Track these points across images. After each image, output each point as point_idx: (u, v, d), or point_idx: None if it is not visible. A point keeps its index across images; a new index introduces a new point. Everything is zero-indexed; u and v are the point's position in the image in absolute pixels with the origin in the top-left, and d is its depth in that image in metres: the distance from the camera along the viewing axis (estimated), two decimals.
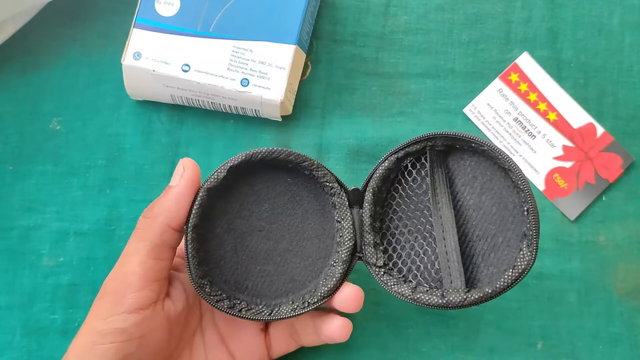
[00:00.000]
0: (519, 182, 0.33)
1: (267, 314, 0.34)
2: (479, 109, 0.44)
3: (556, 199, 0.43)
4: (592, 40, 0.45)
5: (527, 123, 0.44)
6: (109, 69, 0.44)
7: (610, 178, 0.43)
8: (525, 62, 0.45)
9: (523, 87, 0.44)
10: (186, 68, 0.41)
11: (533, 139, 0.44)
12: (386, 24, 0.45)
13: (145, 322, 0.31)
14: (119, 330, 0.31)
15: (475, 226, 0.35)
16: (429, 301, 0.34)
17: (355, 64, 0.45)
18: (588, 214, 0.43)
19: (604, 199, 0.44)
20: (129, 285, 0.32)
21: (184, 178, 0.33)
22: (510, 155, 0.44)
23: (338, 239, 0.36)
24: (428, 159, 0.36)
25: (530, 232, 0.33)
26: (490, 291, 0.33)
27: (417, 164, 0.36)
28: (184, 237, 0.34)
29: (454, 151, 0.36)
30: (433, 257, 0.35)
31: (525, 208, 0.33)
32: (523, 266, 0.33)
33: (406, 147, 0.35)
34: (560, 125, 0.44)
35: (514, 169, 0.33)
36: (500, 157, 0.33)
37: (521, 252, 0.33)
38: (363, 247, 0.36)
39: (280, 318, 0.34)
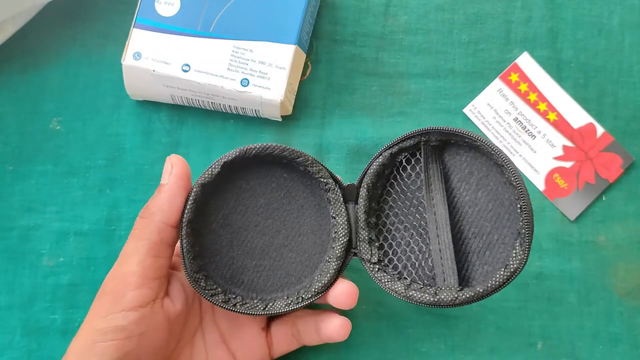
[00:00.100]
0: (513, 179, 0.32)
1: (262, 308, 0.34)
2: (479, 109, 0.44)
3: (556, 199, 0.43)
4: (592, 40, 0.45)
5: (527, 123, 0.44)
6: (109, 69, 0.44)
7: (610, 178, 0.43)
8: (525, 62, 0.45)
9: (523, 87, 0.44)
10: (186, 68, 0.41)
11: (533, 139, 0.44)
12: (386, 24, 0.45)
13: (145, 319, 0.32)
14: (118, 328, 0.31)
15: (471, 223, 0.35)
16: (421, 299, 0.33)
17: (355, 64, 0.45)
18: (588, 214, 0.43)
19: (604, 199, 0.44)
20: (128, 284, 0.32)
21: (174, 175, 0.34)
22: (510, 156, 0.44)
23: (333, 235, 0.36)
24: (422, 155, 0.35)
25: (524, 231, 0.32)
26: (481, 290, 0.32)
27: (412, 160, 0.36)
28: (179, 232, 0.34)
29: (450, 147, 0.35)
30: (427, 254, 0.35)
31: (519, 205, 0.32)
32: (515, 265, 0.32)
33: (400, 142, 0.35)
34: (560, 125, 0.44)
35: (507, 165, 0.32)
36: (493, 152, 0.33)
37: (514, 251, 0.32)
38: (358, 243, 0.36)
39: (274, 313, 0.34)
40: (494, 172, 0.34)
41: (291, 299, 0.35)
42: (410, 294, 0.34)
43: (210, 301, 0.34)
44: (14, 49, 0.44)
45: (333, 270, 0.35)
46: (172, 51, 0.41)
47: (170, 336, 0.34)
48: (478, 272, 0.34)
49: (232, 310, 0.34)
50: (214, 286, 0.34)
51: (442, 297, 0.33)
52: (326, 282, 0.35)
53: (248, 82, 0.41)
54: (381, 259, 0.36)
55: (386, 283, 0.35)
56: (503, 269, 0.32)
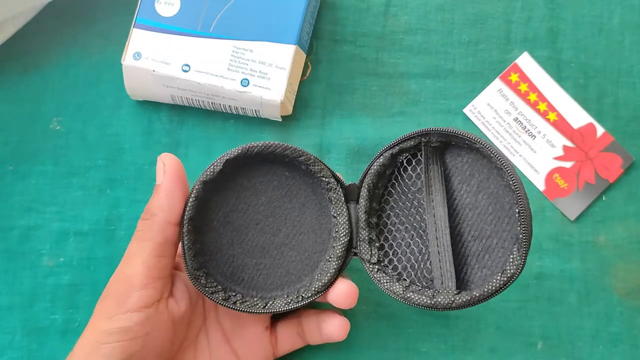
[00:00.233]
0: (511, 182, 0.32)
1: (262, 306, 0.35)
2: (479, 109, 0.44)
3: (556, 199, 0.43)
4: (592, 40, 0.45)
5: (527, 123, 0.44)
6: (109, 69, 0.44)
7: (610, 178, 0.43)
8: (525, 62, 0.45)
9: (523, 87, 0.44)
10: (186, 68, 0.41)
11: (533, 139, 0.44)
12: (386, 24, 0.45)
13: (150, 320, 0.32)
14: (124, 329, 0.31)
15: (470, 226, 0.35)
16: (419, 301, 0.33)
17: (355, 64, 0.45)
18: (588, 214, 0.43)
19: (604, 199, 0.44)
20: (132, 285, 0.32)
21: (167, 173, 0.33)
22: (510, 156, 0.44)
23: (334, 234, 0.36)
24: (423, 156, 0.35)
25: (521, 236, 0.32)
26: (478, 295, 0.32)
27: (413, 161, 0.36)
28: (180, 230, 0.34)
29: (451, 148, 0.35)
30: (427, 256, 0.35)
31: (517, 210, 0.32)
32: (512, 271, 0.32)
33: (400, 142, 0.35)
34: (561, 125, 0.44)
35: (506, 168, 0.32)
36: (493, 155, 0.32)
37: (511, 256, 0.32)
38: (358, 243, 0.36)
39: (274, 311, 0.34)
40: (495, 175, 0.34)
41: (291, 297, 0.35)
42: (409, 295, 0.34)
43: (211, 299, 0.34)
44: (14, 49, 0.44)
45: (333, 270, 0.35)
46: (172, 51, 0.41)
47: (174, 336, 0.34)
48: (477, 276, 0.34)
49: (232, 308, 0.34)
50: (214, 284, 0.34)
51: (439, 300, 0.33)
52: (326, 281, 0.35)
53: (248, 82, 0.41)
54: (381, 259, 0.36)
55: (385, 284, 0.35)
56: (500, 274, 0.32)
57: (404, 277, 0.35)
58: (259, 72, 0.41)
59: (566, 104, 0.44)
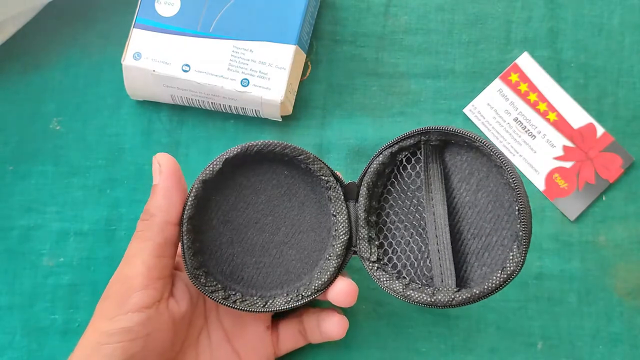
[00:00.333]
0: (511, 180, 0.32)
1: (262, 305, 0.34)
2: (479, 109, 0.44)
3: (556, 199, 0.43)
4: (592, 40, 0.45)
5: (527, 123, 0.44)
6: (109, 69, 0.44)
7: (611, 178, 0.43)
8: (526, 62, 0.45)
9: (523, 87, 0.44)
10: (186, 68, 0.41)
11: (533, 139, 0.44)
12: (386, 24, 0.45)
13: (151, 320, 0.31)
14: (125, 330, 0.31)
15: (470, 224, 0.35)
16: (419, 299, 0.33)
17: (355, 64, 0.45)
18: (588, 214, 0.43)
19: (604, 199, 0.44)
20: (132, 285, 0.32)
21: (164, 173, 0.33)
22: (510, 156, 0.44)
23: (334, 233, 0.36)
24: (423, 154, 0.35)
25: (521, 233, 0.32)
26: (478, 292, 0.32)
27: (413, 159, 0.36)
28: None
29: (450, 146, 0.35)
30: (427, 254, 0.35)
31: (517, 207, 0.32)
32: (512, 268, 0.32)
33: (400, 141, 0.35)
34: (561, 125, 0.44)
35: (506, 166, 0.32)
36: (492, 153, 0.32)
37: (511, 254, 0.32)
38: (357, 242, 0.36)
39: (274, 310, 0.34)
40: (494, 173, 0.34)
41: (291, 296, 0.35)
42: (408, 293, 0.34)
43: (210, 297, 0.34)
44: (14, 49, 0.44)
45: (333, 268, 0.35)
46: (172, 51, 0.41)
47: (175, 337, 0.34)
48: (476, 274, 0.34)
49: (231, 306, 0.34)
50: (214, 282, 0.34)
51: (439, 297, 0.33)
52: (326, 280, 0.35)
53: (248, 82, 0.41)
54: (380, 257, 0.36)
55: (385, 282, 0.35)
56: (500, 271, 0.32)
57: (404, 275, 0.35)
58: (259, 72, 0.41)
59: (566, 104, 0.44)
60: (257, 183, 0.36)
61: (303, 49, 0.43)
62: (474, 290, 0.32)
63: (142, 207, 0.34)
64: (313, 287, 0.35)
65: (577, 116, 0.44)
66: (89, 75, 0.44)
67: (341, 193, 0.35)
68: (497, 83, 0.45)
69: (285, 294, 0.35)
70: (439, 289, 0.33)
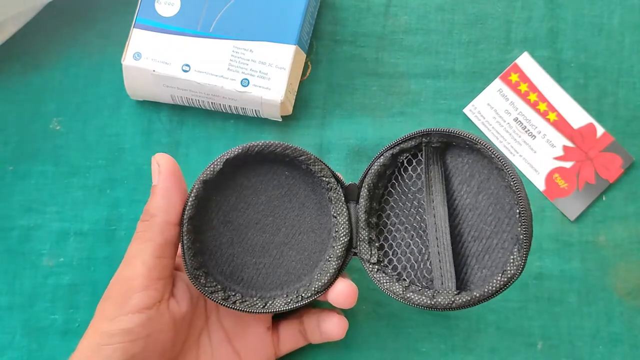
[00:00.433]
0: (512, 183, 0.32)
1: (261, 306, 0.34)
2: (479, 109, 0.44)
3: (556, 199, 0.43)
4: (592, 40, 0.45)
5: (527, 123, 0.44)
6: (109, 69, 0.44)
7: (611, 178, 0.43)
8: (526, 62, 0.45)
9: (523, 87, 0.44)
10: (186, 68, 0.41)
11: (533, 139, 0.44)
12: (386, 24, 0.45)
13: (151, 321, 0.31)
14: (125, 331, 0.31)
15: (471, 226, 0.34)
16: (419, 301, 0.33)
17: (355, 64, 0.45)
18: (588, 214, 0.43)
19: (604, 199, 0.44)
20: (133, 286, 0.32)
21: (162, 173, 0.33)
22: (511, 156, 0.44)
23: (334, 234, 0.36)
24: (423, 156, 0.35)
25: (522, 237, 0.32)
26: (478, 295, 0.32)
27: (414, 161, 0.36)
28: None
29: (452, 148, 0.35)
30: (427, 256, 0.35)
31: (517, 210, 0.32)
32: (513, 271, 0.32)
33: (401, 143, 0.35)
34: (561, 125, 0.44)
35: (506, 169, 0.32)
36: (494, 155, 0.32)
37: (512, 257, 0.32)
38: (358, 243, 0.36)
39: (273, 311, 0.34)
40: (495, 176, 0.34)
41: (290, 297, 0.35)
42: (408, 295, 0.34)
43: (210, 298, 0.34)
44: (14, 49, 0.44)
45: (333, 270, 0.35)
46: (172, 51, 0.41)
47: (176, 337, 0.34)
48: (477, 276, 0.34)
49: (231, 307, 0.34)
50: (214, 283, 0.34)
51: (439, 300, 0.33)
52: (326, 281, 0.35)
53: (248, 82, 0.41)
54: (381, 259, 0.36)
55: (385, 284, 0.35)
56: (500, 275, 0.32)
57: (404, 277, 0.35)
58: (259, 72, 0.41)
59: (566, 104, 0.44)
60: (258, 183, 0.36)
61: (303, 49, 0.43)
62: (474, 293, 0.32)
63: (142, 207, 0.34)
64: (313, 288, 0.35)
65: (577, 116, 0.44)
66: (89, 75, 0.44)
67: (342, 194, 0.35)
68: (497, 83, 0.45)
69: (285, 295, 0.35)
70: (439, 292, 0.33)
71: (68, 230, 0.43)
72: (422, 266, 0.35)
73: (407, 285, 0.34)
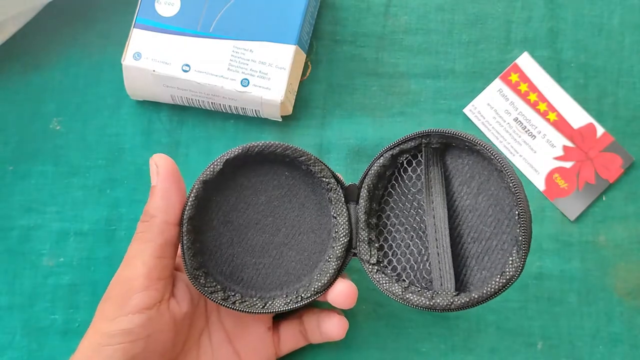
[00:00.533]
0: (511, 184, 0.32)
1: (261, 306, 0.34)
2: (479, 109, 0.44)
3: (556, 199, 0.43)
4: (592, 40, 0.45)
5: (527, 123, 0.44)
6: (109, 69, 0.44)
7: (611, 178, 0.44)
8: (526, 62, 0.45)
9: (523, 87, 0.44)
10: (186, 68, 0.41)
11: (533, 139, 0.44)
12: (386, 24, 0.45)
13: (151, 322, 0.31)
14: (125, 331, 0.31)
15: (470, 227, 0.34)
16: (418, 302, 0.33)
17: (355, 64, 0.45)
18: (588, 214, 0.43)
19: (604, 199, 0.44)
20: (133, 286, 0.32)
21: (161, 174, 0.33)
22: (510, 156, 0.44)
23: (334, 235, 0.36)
24: (423, 157, 0.35)
25: (521, 238, 0.32)
26: (476, 296, 0.32)
27: (414, 162, 0.36)
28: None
29: (452, 149, 0.35)
30: (427, 257, 0.35)
31: (516, 212, 0.32)
32: (511, 273, 0.32)
33: (401, 143, 0.35)
34: (561, 125, 0.44)
35: (506, 170, 0.32)
36: (493, 157, 0.32)
37: (511, 258, 0.32)
38: (357, 244, 0.36)
39: (273, 311, 0.34)
40: (495, 177, 0.34)
41: (290, 297, 0.35)
42: (407, 296, 0.34)
43: (210, 298, 0.34)
44: (14, 49, 0.44)
45: (333, 270, 0.35)
46: (172, 51, 0.41)
47: (176, 337, 0.34)
48: (476, 278, 0.34)
49: (231, 307, 0.34)
50: (214, 283, 0.34)
51: (438, 301, 0.33)
52: (325, 281, 0.35)
53: (248, 82, 0.41)
54: (380, 260, 0.36)
55: (384, 284, 0.35)
56: (499, 276, 0.32)
57: (403, 278, 0.35)
58: (259, 72, 0.41)
59: (566, 104, 0.44)
60: (258, 184, 0.36)
61: (303, 49, 0.43)
62: (473, 295, 0.32)
63: (142, 207, 0.34)
64: (313, 288, 0.35)
65: (577, 116, 0.44)
66: (89, 75, 0.44)
67: (342, 195, 0.35)
68: (497, 83, 0.45)
69: (284, 296, 0.35)
70: (438, 293, 0.33)
71: (68, 230, 0.43)
72: (421, 267, 0.35)
73: (406, 286, 0.34)
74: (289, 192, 0.36)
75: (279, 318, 0.39)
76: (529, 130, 0.44)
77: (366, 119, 0.44)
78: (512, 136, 0.44)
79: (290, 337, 0.38)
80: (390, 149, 0.35)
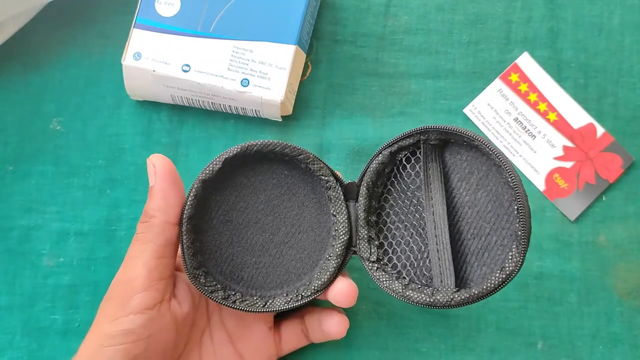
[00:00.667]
0: (510, 179, 0.32)
1: (261, 305, 0.34)
2: (479, 109, 0.44)
3: (556, 199, 0.43)
4: (592, 40, 0.45)
5: (527, 123, 0.44)
6: (109, 69, 0.44)
7: (611, 178, 0.44)
8: (526, 62, 0.45)
9: (523, 87, 0.44)
10: (186, 68, 0.41)
11: (533, 139, 0.44)
12: (386, 24, 0.45)
13: (152, 322, 0.31)
14: (126, 332, 0.31)
15: (470, 224, 0.34)
16: (418, 299, 0.33)
17: (355, 64, 0.45)
18: (588, 214, 0.43)
19: (604, 199, 0.44)
20: (134, 287, 0.32)
21: (159, 174, 0.33)
22: (511, 156, 0.44)
23: (333, 233, 0.36)
24: (422, 153, 0.35)
25: (520, 233, 0.32)
26: (476, 292, 0.32)
27: (412, 159, 0.36)
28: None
29: (450, 146, 0.35)
30: (427, 254, 0.35)
31: (515, 207, 0.32)
32: (511, 268, 0.32)
33: (399, 140, 0.35)
34: (561, 125, 0.44)
35: (504, 165, 0.32)
36: (491, 152, 0.32)
37: (510, 254, 0.32)
38: (357, 242, 0.35)
39: (273, 310, 0.34)
40: (494, 172, 0.34)
41: (290, 296, 0.35)
42: (408, 293, 0.34)
43: (210, 297, 0.34)
44: (15, 49, 0.44)
45: (333, 269, 0.35)
46: (172, 51, 0.41)
47: (178, 338, 0.34)
48: (476, 274, 0.34)
49: (231, 307, 0.34)
50: (214, 282, 0.34)
51: (438, 298, 0.33)
52: (326, 280, 0.35)
53: (248, 83, 0.41)
54: (380, 257, 0.36)
55: (384, 282, 0.35)
56: (499, 271, 0.32)
57: (404, 275, 0.35)
58: (259, 72, 0.41)
59: (566, 104, 0.44)
60: (257, 183, 0.36)
61: (303, 49, 0.43)
62: (473, 291, 0.32)
63: (142, 207, 0.34)
64: (313, 287, 0.35)
65: (577, 116, 0.44)
66: (89, 75, 0.44)
67: (341, 193, 0.35)
68: (497, 83, 0.45)
69: (285, 294, 0.35)
70: (438, 290, 0.33)
71: (68, 231, 0.43)
72: (421, 264, 0.35)
73: (406, 283, 0.34)
74: (288, 190, 0.36)
75: (280, 317, 0.39)
76: (529, 130, 0.44)
77: (366, 119, 0.44)
78: (512, 136, 0.44)
79: (292, 337, 0.38)
80: (389, 146, 0.35)
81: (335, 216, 0.36)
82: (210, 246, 0.35)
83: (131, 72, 0.41)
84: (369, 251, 0.35)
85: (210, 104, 0.42)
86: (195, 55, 0.41)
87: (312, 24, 0.44)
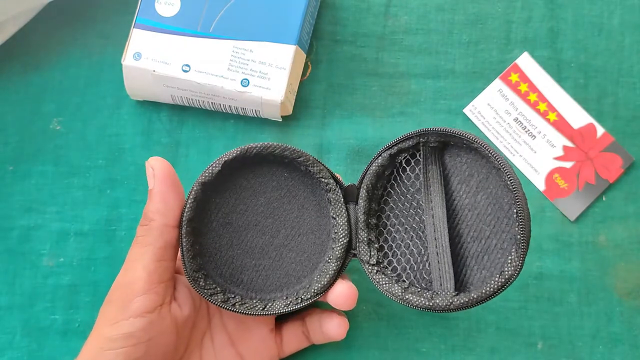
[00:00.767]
0: (509, 182, 0.32)
1: (261, 308, 0.34)
2: (479, 109, 0.44)
3: (556, 199, 0.43)
4: (592, 40, 0.45)
5: (527, 123, 0.44)
6: (109, 69, 0.44)
7: (611, 178, 0.44)
8: (526, 62, 0.45)
9: (523, 87, 0.44)
10: (186, 68, 0.41)
11: (533, 139, 0.44)
12: (386, 24, 0.45)
13: (153, 325, 0.31)
14: (127, 335, 0.31)
15: (470, 227, 0.34)
16: (417, 302, 0.33)
17: (355, 64, 0.45)
18: (588, 214, 0.43)
19: (604, 199, 0.44)
20: (134, 290, 0.32)
21: (157, 177, 0.33)
22: (510, 156, 0.44)
23: (333, 235, 0.36)
24: (421, 156, 0.35)
25: (519, 237, 0.32)
26: (476, 296, 0.32)
27: (412, 161, 0.36)
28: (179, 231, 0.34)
29: (450, 148, 0.35)
30: (426, 257, 0.35)
31: (515, 210, 0.32)
32: (510, 272, 0.32)
33: (399, 143, 0.35)
34: (561, 125, 0.44)
35: (504, 168, 0.32)
36: (491, 155, 0.32)
37: (509, 258, 0.32)
38: (357, 245, 0.35)
39: (273, 313, 0.34)
40: (494, 175, 0.34)
41: (290, 299, 0.35)
42: (407, 297, 0.34)
43: (209, 300, 0.34)
44: (15, 49, 0.44)
45: (332, 271, 0.35)
46: (172, 51, 0.41)
47: (178, 340, 0.34)
48: (476, 277, 0.34)
49: (231, 309, 0.34)
50: (213, 285, 0.34)
51: (438, 301, 0.33)
52: (325, 282, 0.35)
53: (248, 83, 0.41)
54: (380, 260, 0.36)
55: (384, 285, 0.34)
56: (498, 275, 0.32)
57: (403, 278, 0.35)
58: (259, 72, 0.41)
59: (566, 104, 0.44)
60: (257, 185, 0.36)
61: (303, 49, 0.43)
62: (472, 295, 0.32)
63: (142, 208, 0.34)
64: (312, 290, 0.35)
65: (577, 116, 0.44)
66: (89, 75, 0.44)
67: (341, 195, 0.35)
68: (497, 83, 0.45)
69: (284, 297, 0.35)
70: (437, 293, 0.33)
71: (68, 231, 0.43)
72: (421, 267, 0.35)
73: (406, 286, 0.34)
74: (288, 193, 0.36)
75: (281, 319, 0.39)
76: (529, 130, 0.44)
77: (366, 119, 0.44)
78: (512, 136, 0.44)
79: (293, 338, 0.38)
80: (389, 148, 0.35)
81: (335, 219, 0.36)
82: (210, 249, 0.35)
83: (131, 72, 0.41)
84: (368, 254, 0.35)
85: (210, 104, 0.42)
86: (195, 55, 0.41)
87: (312, 24, 0.44)
